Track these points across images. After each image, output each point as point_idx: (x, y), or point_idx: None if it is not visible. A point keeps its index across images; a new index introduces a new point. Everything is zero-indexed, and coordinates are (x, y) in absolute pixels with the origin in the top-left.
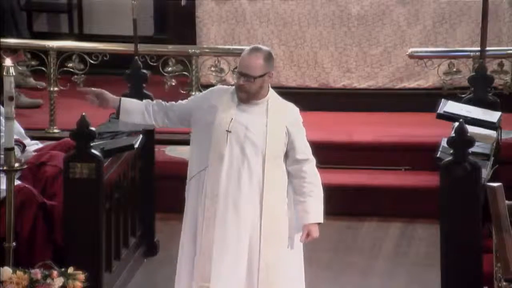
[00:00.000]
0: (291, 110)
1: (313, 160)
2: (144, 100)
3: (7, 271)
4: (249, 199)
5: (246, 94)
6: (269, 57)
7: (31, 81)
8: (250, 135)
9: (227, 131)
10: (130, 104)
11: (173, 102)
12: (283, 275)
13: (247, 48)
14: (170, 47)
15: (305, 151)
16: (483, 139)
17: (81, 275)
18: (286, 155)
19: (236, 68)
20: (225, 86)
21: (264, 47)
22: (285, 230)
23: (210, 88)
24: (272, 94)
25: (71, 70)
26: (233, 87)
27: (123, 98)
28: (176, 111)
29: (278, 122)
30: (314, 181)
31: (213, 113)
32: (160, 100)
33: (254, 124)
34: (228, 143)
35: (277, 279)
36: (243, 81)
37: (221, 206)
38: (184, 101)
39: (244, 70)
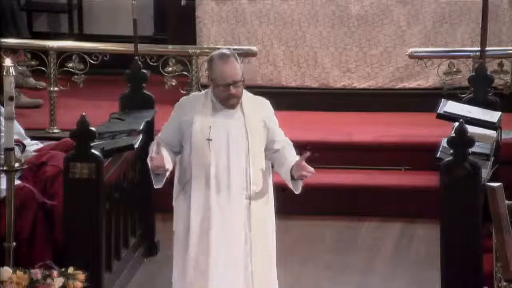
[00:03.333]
0: (265, 104)
1: (291, 143)
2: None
3: (7, 271)
4: (240, 202)
5: (237, 99)
6: (238, 58)
7: (31, 81)
8: (231, 138)
9: (208, 139)
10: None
11: (163, 139)
12: (272, 275)
13: (216, 59)
14: (170, 47)
15: (285, 139)
16: (483, 139)
17: (81, 275)
18: (266, 148)
19: (212, 79)
20: (192, 95)
21: (227, 51)
22: (271, 233)
23: (176, 104)
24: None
25: (71, 70)
26: (201, 93)
27: (168, 163)
28: (170, 147)
29: (255, 118)
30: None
31: (189, 126)
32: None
33: (233, 126)
34: (212, 151)
35: (268, 279)
36: (234, 89)
37: (214, 215)
38: (162, 134)
39: (233, 78)
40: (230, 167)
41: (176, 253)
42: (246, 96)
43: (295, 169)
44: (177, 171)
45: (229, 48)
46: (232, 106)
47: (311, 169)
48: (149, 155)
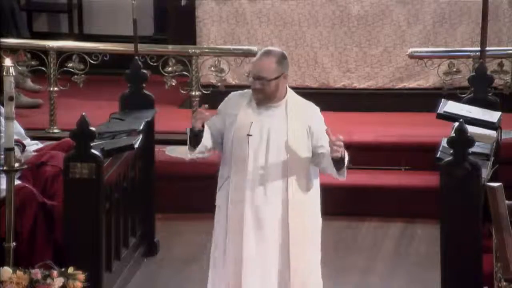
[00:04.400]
0: (312, 109)
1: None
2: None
3: (7, 271)
4: (274, 202)
5: (262, 96)
6: (282, 59)
7: (29, 83)
8: (271, 137)
9: (248, 135)
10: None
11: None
12: (312, 276)
13: (260, 51)
14: (170, 47)
15: None
16: (483, 139)
17: (81, 275)
18: (313, 154)
19: (249, 73)
20: (240, 92)
21: (277, 49)
22: (312, 233)
23: (226, 98)
24: (290, 94)
25: (71, 70)
26: (249, 90)
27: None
28: (215, 137)
29: (299, 122)
30: None
31: (233, 120)
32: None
33: (274, 126)
34: (250, 147)
35: (308, 280)
36: (258, 84)
37: (247, 212)
38: (209, 127)
39: (259, 73)
40: (268, 165)
41: (213, 247)
42: (294, 98)
43: (331, 151)
44: (221, 166)
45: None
46: (257, 101)
47: (339, 136)
48: (196, 112)
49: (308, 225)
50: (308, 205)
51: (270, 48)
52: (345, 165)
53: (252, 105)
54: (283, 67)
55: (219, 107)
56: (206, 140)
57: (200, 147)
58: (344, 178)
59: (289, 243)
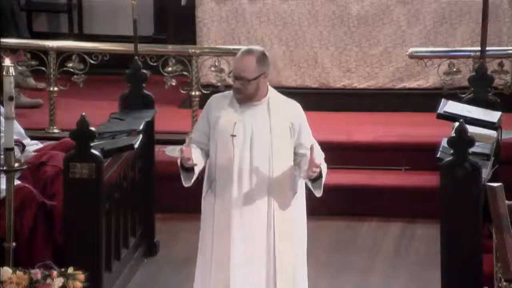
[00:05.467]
0: (294, 106)
1: (322, 154)
2: (195, 150)
3: (7, 271)
4: (261, 200)
5: (243, 96)
6: (262, 58)
7: (31, 81)
8: (255, 136)
9: (232, 135)
10: (198, 158)
11: (195, 138)
12: (297, 276)
13: (240, 50)
14: (170, 47)
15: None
16: (483, 139)
17: (81, 275)
18: (294, 152)
19: (231, 72)
20: (221, 93)
21: (257, 48)
22: (298, 232)
23: (208, 101)
24: (272, 92)
25: (71, 70)
26: (230, 91)
27: (196, 159)
28: (202, 145)
29: (281, 119)
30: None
31: (216, 121)
32: (193, 139)
33: (258, 124)
34: (235, 147)
35: (294, 279)
36: (239, 84)
37: (234, 214)
38: (194, 134)
39: (239, 73)
40: (253, 165)
41: (200, 252)
42: (276, 96)
43: (307, 169)
44: (206, 169)
45: (265, 48)
46: (238, 101)
47: (317, 165)
48: (180, 148)
49: (293, 224)
50: (294, 203)
51: (250, 47)
52: (322, 181)
53: (234, 105)
54: (263, 66)
55: (203, 111)
56: (200, 163)
57: (196, 175)
58: (319, 194)
59: (274, 243)
